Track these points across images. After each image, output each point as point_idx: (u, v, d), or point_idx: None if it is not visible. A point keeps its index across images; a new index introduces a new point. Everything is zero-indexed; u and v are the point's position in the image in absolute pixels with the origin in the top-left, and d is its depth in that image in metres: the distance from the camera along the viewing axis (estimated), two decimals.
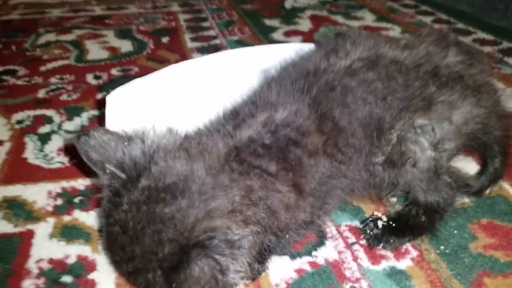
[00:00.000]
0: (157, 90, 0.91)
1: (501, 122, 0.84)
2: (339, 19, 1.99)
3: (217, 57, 0.99)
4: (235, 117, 0.70)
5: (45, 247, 0.81)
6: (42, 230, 0.85)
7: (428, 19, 2.01)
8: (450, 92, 0.75)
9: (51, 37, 1.78)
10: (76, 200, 0.92)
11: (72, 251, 0.80)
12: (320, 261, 0.79)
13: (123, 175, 0.60)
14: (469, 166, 0.96)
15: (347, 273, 0.76)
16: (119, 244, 0.59)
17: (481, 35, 1.81)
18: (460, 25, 1.92)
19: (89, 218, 0.88)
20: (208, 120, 0.72)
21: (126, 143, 0.62)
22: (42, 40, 1.75)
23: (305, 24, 1.92)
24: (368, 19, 2.00)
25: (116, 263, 0.62)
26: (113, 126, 0.83)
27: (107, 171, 0.62)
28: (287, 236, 0.73)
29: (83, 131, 0.64)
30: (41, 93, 1.34)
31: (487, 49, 1.67)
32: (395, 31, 1.86)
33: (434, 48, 0.80)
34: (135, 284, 0.60)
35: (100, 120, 1.17)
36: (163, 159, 0.60)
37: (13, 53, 1.64)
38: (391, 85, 0.74)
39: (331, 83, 0.72)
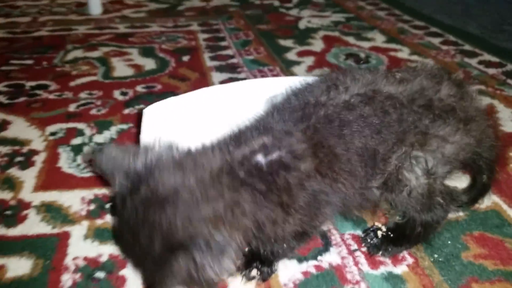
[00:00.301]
0: (188, 108, 1.02)
1: (490, 146, 0.90)
2: (351, 40, 2.07)
3: (244, 85, 1.10)
4: (238, 139, 0.76)
5: (80, 247, 0.90)
6: (77, 232, 0.94)
7: (436, 41, 2.07)
8: (444, 125, 0.80)
9: (79, 53, 1.89)
10: (108, 205, 1.01)
11: (104, 251, 0.89)
12: (325, 265, 0.87)
13: (128, 184, 0.70)
14: (460, 179, 1.01)
15: (349, 276, 0.85)
16: (125, 241, 0.70)
17: (487, 57, 1.87)
18: (467, 47, 1.98)
19: None
20: (216, 139, 0.79)
21: (132, 157, 0.71)
22: (70, 56, 1.86)
23: (317, 45, 2.00)
24: (379, 40, 2.08)
25: (125, 255, 0.73)
26: (148, 135, 0.94)
27: (116, 181, 0.71)
28: (284, 245, 0.80)
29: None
30: (71, 107, 1.43)
31: (491, 71, 1.73)
32: (404, 52, 1.93)
33: (428, 82, 0.84)
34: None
35: (136, 132, 1.26)
36: (159, 173, 0.69)
37: (44, 69, 1.74)
38: (386, 119, 0.78)
39: (329, 116, 0.77)
